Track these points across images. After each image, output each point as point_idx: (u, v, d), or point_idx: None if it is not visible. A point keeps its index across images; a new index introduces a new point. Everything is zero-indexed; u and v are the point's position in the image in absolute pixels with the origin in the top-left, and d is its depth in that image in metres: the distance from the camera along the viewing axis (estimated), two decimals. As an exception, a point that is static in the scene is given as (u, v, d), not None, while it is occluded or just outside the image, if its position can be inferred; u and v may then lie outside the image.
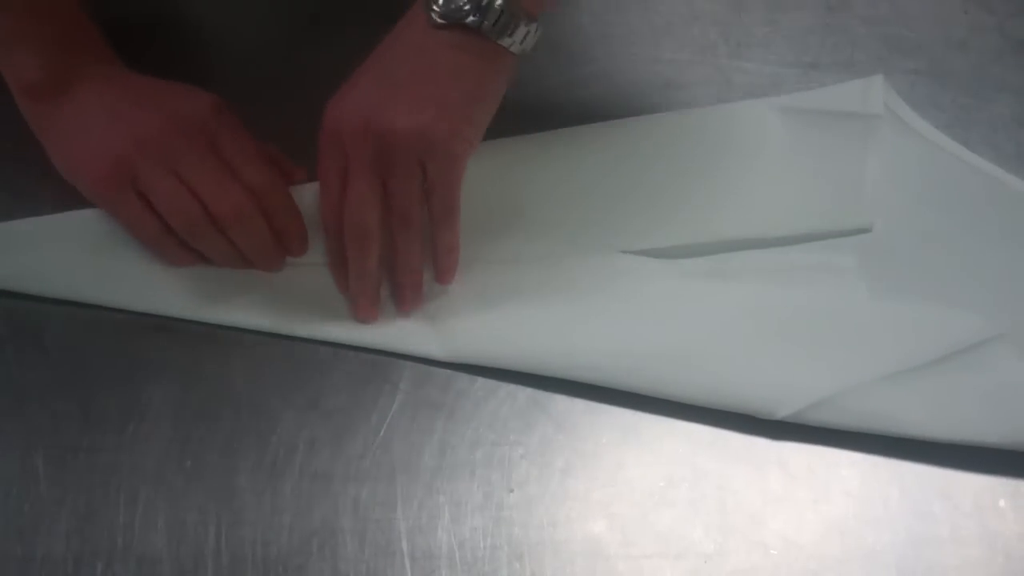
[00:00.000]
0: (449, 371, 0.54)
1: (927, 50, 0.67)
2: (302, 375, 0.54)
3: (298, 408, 0.53)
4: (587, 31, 0.67)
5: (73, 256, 0.55)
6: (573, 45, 0.66)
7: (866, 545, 0.51)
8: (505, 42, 0.50)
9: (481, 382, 0.54)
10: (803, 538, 0.51)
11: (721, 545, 0.50)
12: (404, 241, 0.53)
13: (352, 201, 0.52)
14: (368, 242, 0.53)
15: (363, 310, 0.54)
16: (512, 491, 0.51)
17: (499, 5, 0.49)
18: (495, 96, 0.52)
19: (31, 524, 0.49)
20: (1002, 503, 0.52)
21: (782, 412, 0.52)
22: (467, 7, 0.49)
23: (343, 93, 0.52)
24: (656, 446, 0.53)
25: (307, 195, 0.56)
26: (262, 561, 0.49)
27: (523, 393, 0.54)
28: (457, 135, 0.51)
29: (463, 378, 0.54)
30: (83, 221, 0.55)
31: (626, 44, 0.67)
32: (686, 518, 0.51)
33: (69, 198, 0.55)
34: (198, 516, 0.50)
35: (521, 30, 0.50)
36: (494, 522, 0.50)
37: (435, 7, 0.50)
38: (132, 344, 0.54)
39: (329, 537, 0.50)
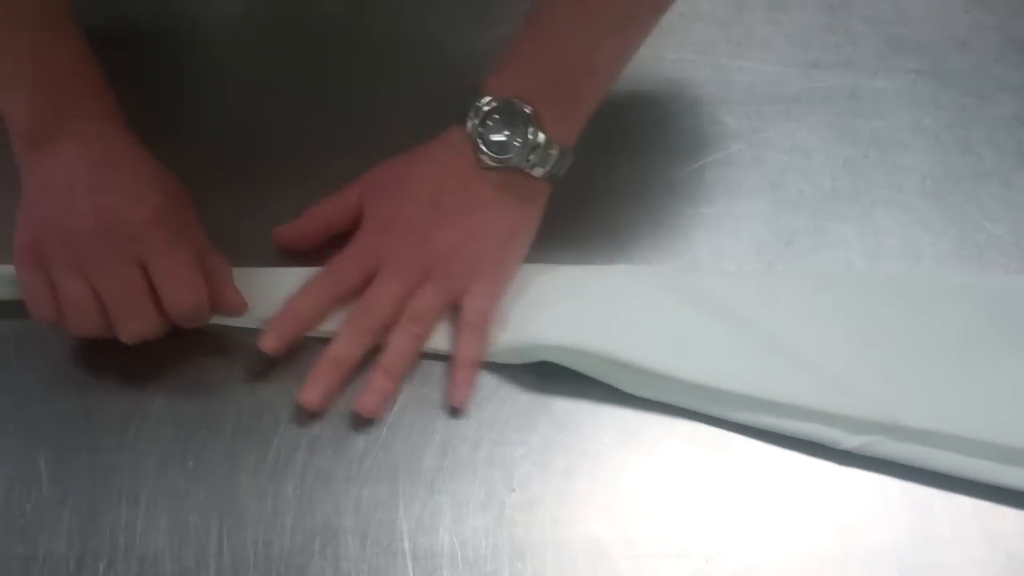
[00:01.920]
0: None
1: (928, 49, 0.67)
2: (304, 375, 0.54)
3: (300, 408, 0.53)
4: (588, 30, 0.67)
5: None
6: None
7: (867, 545, 0.51)
8: (545, 176, 0.54)
9: (483, 382, 0.54)
10: (803, 538, 0.51)
11: (722, 545, 0.50)
12: (402, 339, 0.53)
13: (374, 297, 0.53)
14: (368, 337, 0.53)
15: (313, 392, 0.52)
16: (514, 491, 0.51)
17: (553, 153, 0.54)
18: (534, 228, 0.56)
19: (33, 524, 0.49)
20: (1001, 500, 0.52)
21: (847, 444, 0.52)
22: (517, 155, 0.53)
23: (390, 208, 0.55)
24: (658, 446, 0.53)
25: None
26: (264, 561, 0.49)
27: (525, 393, 0.54)
28: (502, 264, 0.55)
29: (464, 378, 0.54)
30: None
31: (627, 43, 0.67)
32: (687, 518, 0.51)
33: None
34: (200, 516, 0.50)
35: (560, 163, 0.54)
36: (496, 522, 0.50)
37: (485, 153, 0.53)
38: (134, 345, 0.54)
39: (331, 537, 0.50)
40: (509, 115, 0.53)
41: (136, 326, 0.51)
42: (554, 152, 0.54)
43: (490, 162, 0.54)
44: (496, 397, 0.54)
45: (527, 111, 0.53)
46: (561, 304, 0.55)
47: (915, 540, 0.51)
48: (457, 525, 0.50)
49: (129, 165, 0.52)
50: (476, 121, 0.53)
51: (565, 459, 0.52)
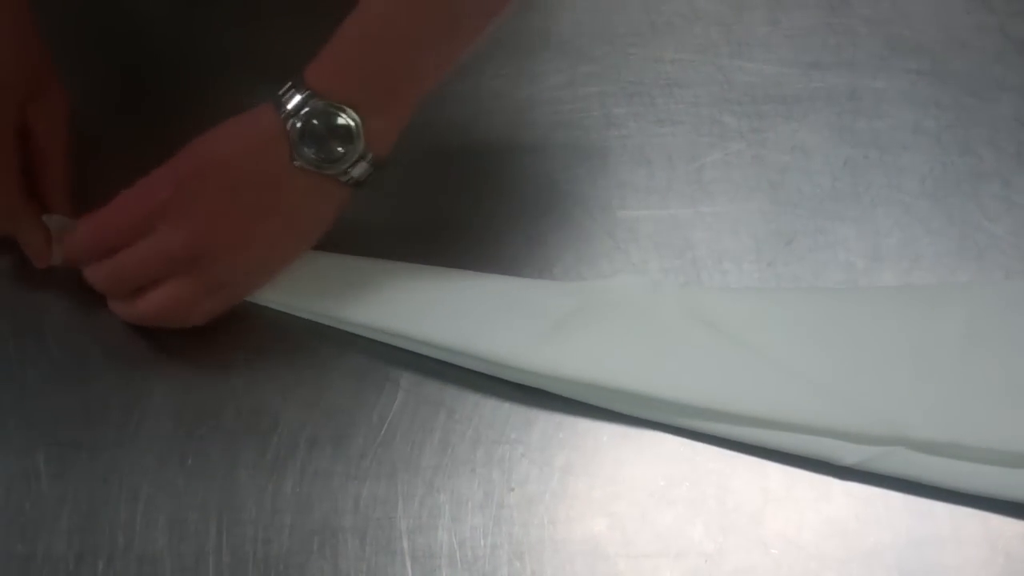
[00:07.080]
0: (450, 369, 0.54)
1: (928, 50, 0.67)
2: (303, 374, 0.54)
3: (299, 407, 0.53)
4: (588, 30, 0.67)
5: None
6: (574, 44, 0.66)
7: (866, 545, 0.50)
8: (354, 185, 0.53)
9: (482, 381, 0.54)
10: (803, 538, 0.51)
11: (721, 544, 0.50)
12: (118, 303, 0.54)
13: (136, 263, 0.52)
14: (121, 288, 0.53)
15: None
16: (513, 490, 0.51)
17: (371, 165, 0.52)
18: (324, 230, 0.54)
19: (32, 522, 0.50)
20: (1002, 503, 0.52)
21: (850, 459, 0.52)
22: (338, 165, 0.51)
23: (198, 178, 0.51)
24: (656, 445, 0.53)
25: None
26: (263, 559, 0.49)
27: (523, 392, 0.54)
28: (272, 273, 0.54)
29: (464, 377, 0.54)
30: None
31: (627, 43, 0.67)
32: (686, 517, 0.51)
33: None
34: (199, 514, 0.50)
35: (374, 175, 0.53)
36: (494, 521, 0.50)
37: (303, 155, 0.50)
38: (133, 342, 0.54)
39: (330, 536, 0.50)
40: (333, 120, 0.50)
41: None
42: (372, 164, 0.52)
43: (307, 165, 0.51)
44: (495, 395, 0.54)
45: (354, 122, 0.50)
46: (561, 328, 0.54)
47: (914, 541, 0.51)
48: (456, 524, 0.50)
49: None
50: (297, 121, 0.50)
51: (564, 458, 0.52)
